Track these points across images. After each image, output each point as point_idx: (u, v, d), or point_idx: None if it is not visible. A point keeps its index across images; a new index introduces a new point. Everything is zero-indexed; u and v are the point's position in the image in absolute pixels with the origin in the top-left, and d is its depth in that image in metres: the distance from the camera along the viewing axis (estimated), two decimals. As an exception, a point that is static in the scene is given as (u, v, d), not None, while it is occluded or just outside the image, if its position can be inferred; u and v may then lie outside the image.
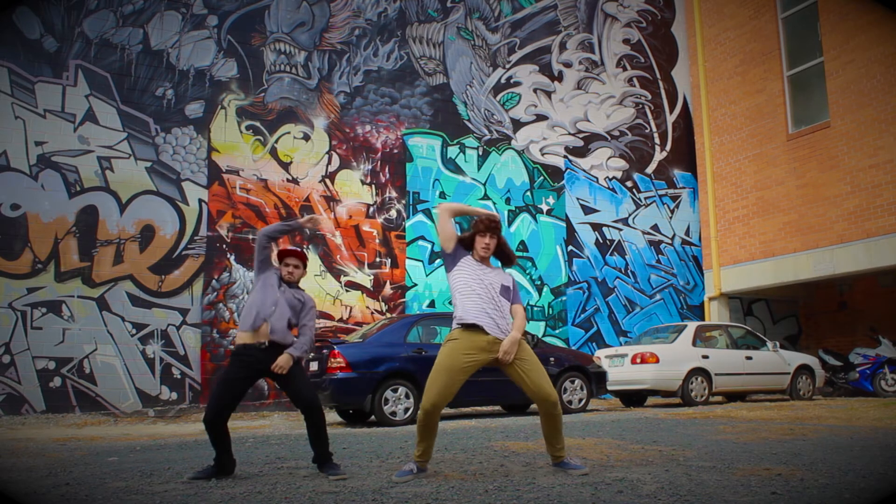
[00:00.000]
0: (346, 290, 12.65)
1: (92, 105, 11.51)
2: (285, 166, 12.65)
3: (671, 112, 16.30)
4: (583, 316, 14.49)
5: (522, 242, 14.25)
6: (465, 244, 4.58)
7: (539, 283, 14.24)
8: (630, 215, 15.40)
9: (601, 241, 15.02)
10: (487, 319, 4.33)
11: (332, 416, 10.41)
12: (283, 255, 4.90)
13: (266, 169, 12.50)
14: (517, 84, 14.82)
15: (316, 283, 12.44)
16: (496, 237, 4.51)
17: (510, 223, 14.24)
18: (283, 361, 4.61)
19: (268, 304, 4.68)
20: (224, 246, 11.99)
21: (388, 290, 13.02)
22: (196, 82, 12.24)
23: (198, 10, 12.42)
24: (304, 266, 4.93)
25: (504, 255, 4.61)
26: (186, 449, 6.34)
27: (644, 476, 4.18)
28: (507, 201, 14.32)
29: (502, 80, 14.69)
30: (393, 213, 13.30)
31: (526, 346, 4.46)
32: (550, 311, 14.23)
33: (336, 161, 13.06)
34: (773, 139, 14.27)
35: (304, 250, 12.38)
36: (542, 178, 14.73)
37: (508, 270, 4.70)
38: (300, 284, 5.02)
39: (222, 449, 4.56)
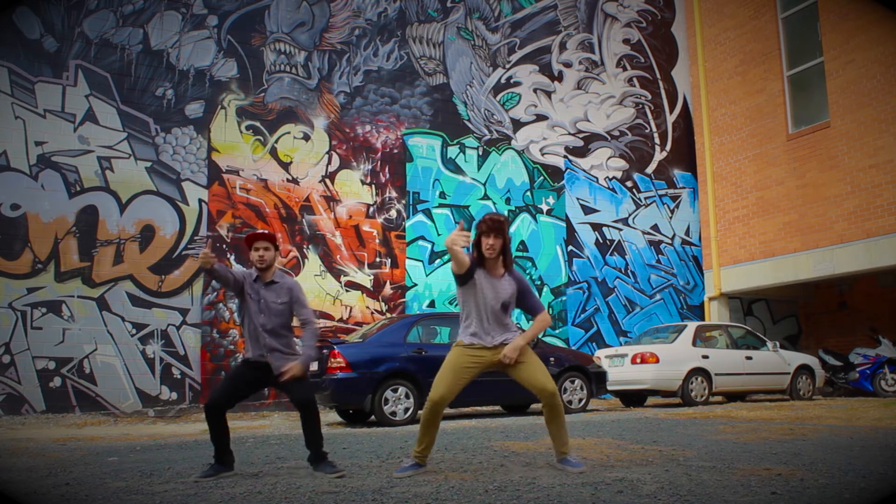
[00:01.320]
0: (346, 290, 12.65)
1: (92, 105, 11.51)
2: (285, 166, 12.65)
3: (671, 112, 16.30)
4: (583, 316, 14.49)
5: (522, 242, 14.25)
6: (477, 260, 4.56)
7: (539, 283, 14.24)
8: (630, 215, 15.40)
9: (601, 241, 15.02)
10: (486, 337, 4.45)
11: (332, 416, 10.41)
12: (250, 240, 4.79)
13: (266, 169, 12.50)
14: (517, 84, 14.82)
15: (316, 283, 12.44)
16: (501, 237, 4.48)
17: (510, 223, 14.23)
18: (296, 370, 4.61)
19: (254, 338, 4.70)
20: (224, 246, 11.99)
21: (388, 290, 13.02)
22: (196, 82, 12.24)
23: (198, 10, 12.42)
24: (276, 247, 4.81)
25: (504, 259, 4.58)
26: (186, 449, 6.34)
27: (644, 476, 4.18)
28: (507, 201, 14.32)
29: (502, 80, 14.69)
30: (393, 213, 13.30)
31: (528, 349, 4.53)
32: (550, 311, 14.23)
33: (336, 161, 13.06)
34: (773, 139, 14.27)
35: (306, 250, 12.39)
36: (542, 178, 14.73)
37: (519, 276, 4.65)
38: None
39: (221, 443, 4.60)
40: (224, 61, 12.49)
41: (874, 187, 12.45)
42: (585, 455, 5.07)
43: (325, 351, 8.87)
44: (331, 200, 12.87)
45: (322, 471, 4.54)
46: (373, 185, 13.25)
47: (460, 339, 4.56)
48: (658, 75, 16.27)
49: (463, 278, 4.50)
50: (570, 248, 14.68)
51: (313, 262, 12.51)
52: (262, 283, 4.77)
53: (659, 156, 16.01)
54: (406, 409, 8.76)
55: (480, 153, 14.28)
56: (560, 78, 15.23)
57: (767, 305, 15.85)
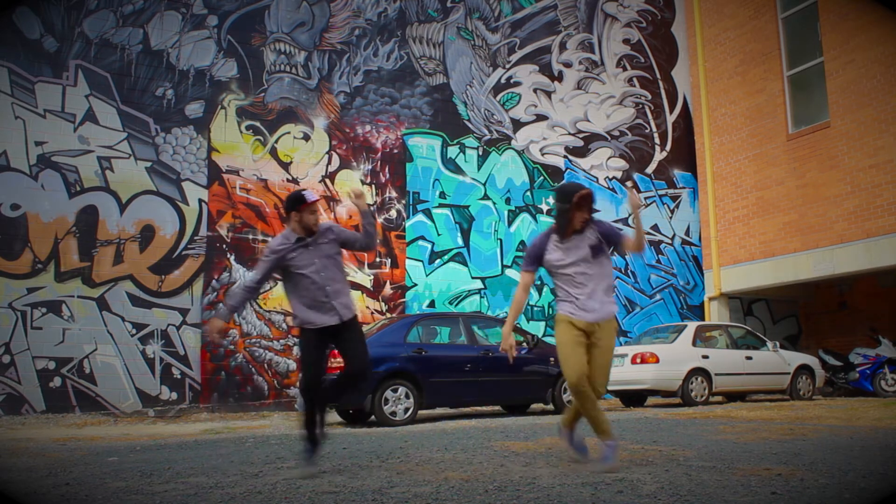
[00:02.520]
0: (346, 290, 12.62)
1: (92, 105, 11.51)
2: (285, 166, 12.65)
3: (671, 112, 16.30)
4: (583, 316, 14.47)
5: (522, 242, 14.25)
6: (541, 250, 4.56)
7: (539, 283, 14.24)
8: (630, 215, 15.39)
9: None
10: (577, 305, 4.45)
11: (332, 416, 10.42)
12: (304, 205, 4.62)
13: (266, 169, 12.50)
14: (517, 84, 14.82)
15: (316, 283, 12.42)
16: (591, 210, 4.48)
17: (510, 223, 14.24)
18: (363, 200, 4.80)
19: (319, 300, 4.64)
20: (224, 246, 11.99)
21: (388, 290, 13.02)
22: (196, 82, 12.24)
23: (198, 10, 12.42)
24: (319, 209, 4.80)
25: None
26: (186, 449, 6.34)
27: (644, 476, 4.18)
28: (507, 201, 14.32)
29: (502, 80, 14.69)
30: (393, 213, 13.30)
31: (611, 333, 4.51)
32: (550, 311, 14.23)
33: (336, 161, 13.06)
34: (773, 139, 14.27)
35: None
36: (542, 178, 14.73)
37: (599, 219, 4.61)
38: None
39: (313, 426, 4.60)
40: (224, 61, 12.49)
41: (874, 187, 12.45)
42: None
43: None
44: (331, 200, 12.87)
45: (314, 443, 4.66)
46: (373, 185, 13.25)
47: (559, 312, 4.55)
48: (658, 75, 16.27)
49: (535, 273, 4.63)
50: (570, 248, 14.66)
51: (313, 262, 12.48)
52: (306, 241, 4.66)
53: (659, 156, 16.01)
54: (406, 409, 8.76)
55: (480, 153, 14.28)
56: (560, 78, 15.23)
57: (767, 305, 15.84)
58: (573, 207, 4.42)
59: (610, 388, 11.01)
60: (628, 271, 15.14)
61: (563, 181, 14.85)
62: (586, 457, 4.64)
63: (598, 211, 4.57)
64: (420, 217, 13.48)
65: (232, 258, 11.97)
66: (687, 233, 15.98)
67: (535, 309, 14.11)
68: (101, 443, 7.20)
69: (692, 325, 11.95)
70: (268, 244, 4.93)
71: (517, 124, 14.69)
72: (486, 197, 14.13)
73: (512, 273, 14.02)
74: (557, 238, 4.52)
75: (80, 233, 11.11)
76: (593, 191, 4.53)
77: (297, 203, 4.63)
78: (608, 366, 4.50)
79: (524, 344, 9.94)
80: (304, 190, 4.99)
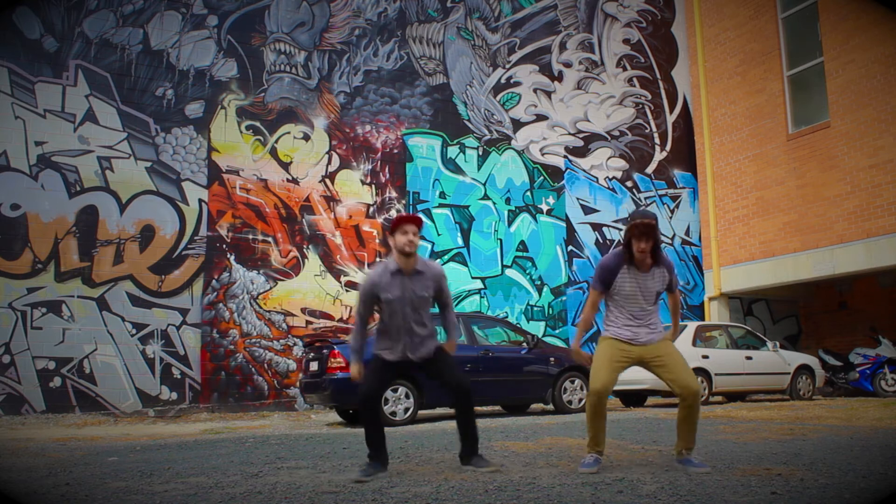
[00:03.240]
0: (347, 290, 12.64)
1: (92, 105, 11.51)
2: (285, 166, 12.65)
3: (671, 112, 16.30)
4: (583, 316, 14.47)
5: (522, 242, 14.25)
6: (627, 259, 4.52)
7: (539, 283, 14.24)
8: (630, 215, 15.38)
9: (601, 241, 15.02)
10: (628, 333, 4.52)
11: (332, 416, 10.42)
12: (398, 222, 4.53)
13: (266, 169, 12.50)
14: (517, 84, 14.82)
15: (316, 283, 12.44)
16: (651, 240, 4.40)
17: (510, 223, 14.24)
18: (452, 349, 4.68)
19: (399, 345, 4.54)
20: (224, 246, 11.98)
21: (388, 290, 12.99)
22: (196, 82, 12.24)
23: (198, 10, 12.42)
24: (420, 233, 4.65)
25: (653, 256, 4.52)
26: (186, 449, 6.34)
27: (644, 476, 4.18)
28: (507, 201, 14.32)
29: (502, 80, 14.70)
30: (393, 213, 13.29)
31: (669, 343, 4.57)
32: (550, 311, 14.23)
33: (336, 161, 13.06)
34: (773, 139, 14.27)
35: (306, 250, 12.40)
36: (542, 178, 14.73)
37: (668, 262, 4.60)
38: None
39: (377, 438, 4.44)
40: (224, 61, 12.49)
41: (874, 187, 12.45)
42: (586, 455, 5.06)
43: (325, 351, 8.88)
44: (331, 200, 12.88)
45: (475, 465, 4.48)
46: (373, 185, 13.25)
47: (606, 333, 4.60)
48: (658, 75, 16.27)
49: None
50: (570, 248, 14.68)
51: (313, 262, 12.51)
52: (403, 274, 4.50)
53: (659, 156, 16.01)
54: (406, 409, 8.75)
55: (480, 153, 14.28)
56: (560, 78, 15.23)
57: (767, 305, 15.85)
58: (629, 235, 4.42)
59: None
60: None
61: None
62: (697, 466, 4.40)
63: (661, 243, 4.50)
64: (420, 217, 13.47)
65: (232, 258, 11.97)
66: (687, 233, 15.98)
67: (535, 309, 14.11)
68: (101, 443, 7.20)
69: (692, 325, 11.95)
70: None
71: (517, 124, 14.69)
72: (486, 197, 14.12)
73: (512, 273, 14.03)
74: (626, 267, 4.51)
75: (80, 233, 11.11)
76: (655, 218, 4.44)
77: (395, 221, 4.57)
78: (684, 362, 4.51)
79: (524, 344, 9.94)
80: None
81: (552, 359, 9.80)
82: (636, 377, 11.04)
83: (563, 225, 14.72)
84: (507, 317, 13.61)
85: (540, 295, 14.20)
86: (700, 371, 11.22)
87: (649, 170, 15.81)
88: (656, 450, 5.37)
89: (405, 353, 4.55)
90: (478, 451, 4.57)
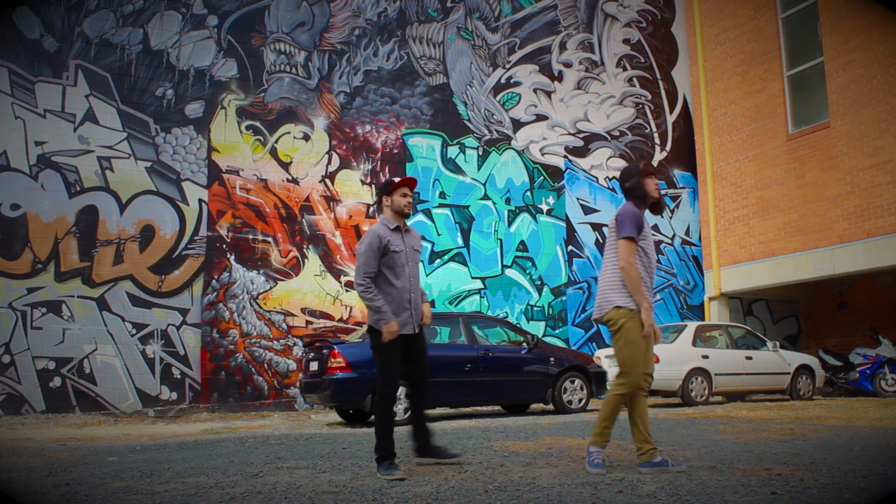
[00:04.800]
0: (346, 290, 12.64)
1: (92, 105, 11.51)
2: (285, 166, 12.65)
3: (671, 112, 16.30)
4: (583, 316, 14.49)
5: (522, 242, 14.25)
6: (642, 220, 4.25)
7: (539, 283, 14.24)
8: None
9: (601, 241, 15.02)
10: (650, 297, 4.37)
11: (332, 416, 10.42)
12: (397, 185, 4.74)
13: (266, 169, 12.50)
14: (517, 84, 14.82)
15: (316, 283, 12.44)
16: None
17: (510, 223, 14.24)
18: (427, 311, 4.78)
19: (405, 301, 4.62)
20: (224, 246, 11.99)
21: (388, 290, 12.99)
22: (196, 82, 12.24)
23: (198, 10, 12.42)
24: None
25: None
26: (186, 449, 6.34)
27: (644, 476, 4.18)
28: (507, 201, 14.32)
29: (502, 80, 14.69)
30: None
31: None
32: (550, 311, 14.23)
33: (336, 161, 13.06)
34: (773, 139, 14.27)
35: (306, 250, 12.40)
36: (542, 178, 14.73)
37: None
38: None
39: (422, 431, 4.63)
40: (224, 61, 12.49)
41: (874, 187, 12.45)
42: (586, 455, 5.06)
43: (325, 351, 8.87)
44: (331, 200, 12.87)
45: (438, 456, 4.62)
46: (373, 186, 13.25)
47: (629, 305, 4.26)
48: (658, 75, 16.27)
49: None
50: (570, 248, 14.69)
51: (313, 262, 12.51)
52: (401, 231, 4.75)
53: (659, 156, 16.01)
54: (406, 410, 8.75)
55: (480, 153, 14.28)
56: (560, 78, 15.23)
57: (767, 305, 15.85)
58: (642, 174, 4.25)
59: (609, 388, 11.00)
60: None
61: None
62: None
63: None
64: (420, 217, 13.48)
65: (232, 258, 11.97)
66: (687, 233, 15.98)
67: (535, 309, 14.11)
68: (101, 443, 7.20)
69: (692, 325, 11.95)
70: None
71: (517, 124, 14.69)
72: (485, 197, 14.12)
73: (512, 273, 14.03)
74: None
75: (80, 233, 11.11)
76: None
77: (397, 184, 4.78)
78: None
79: (524, 344, 9.94)
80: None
81: (552, 359, 9.80)
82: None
83: (563, 225, 14.72)
84: (507, 317, 13.61)
85: (540, 295, 14.20)
86: (700, 371, 11.23)
87: (649, 170, 15.79)
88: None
89: (413, 325, 4.66)
90: (431, 443, 4.75)
